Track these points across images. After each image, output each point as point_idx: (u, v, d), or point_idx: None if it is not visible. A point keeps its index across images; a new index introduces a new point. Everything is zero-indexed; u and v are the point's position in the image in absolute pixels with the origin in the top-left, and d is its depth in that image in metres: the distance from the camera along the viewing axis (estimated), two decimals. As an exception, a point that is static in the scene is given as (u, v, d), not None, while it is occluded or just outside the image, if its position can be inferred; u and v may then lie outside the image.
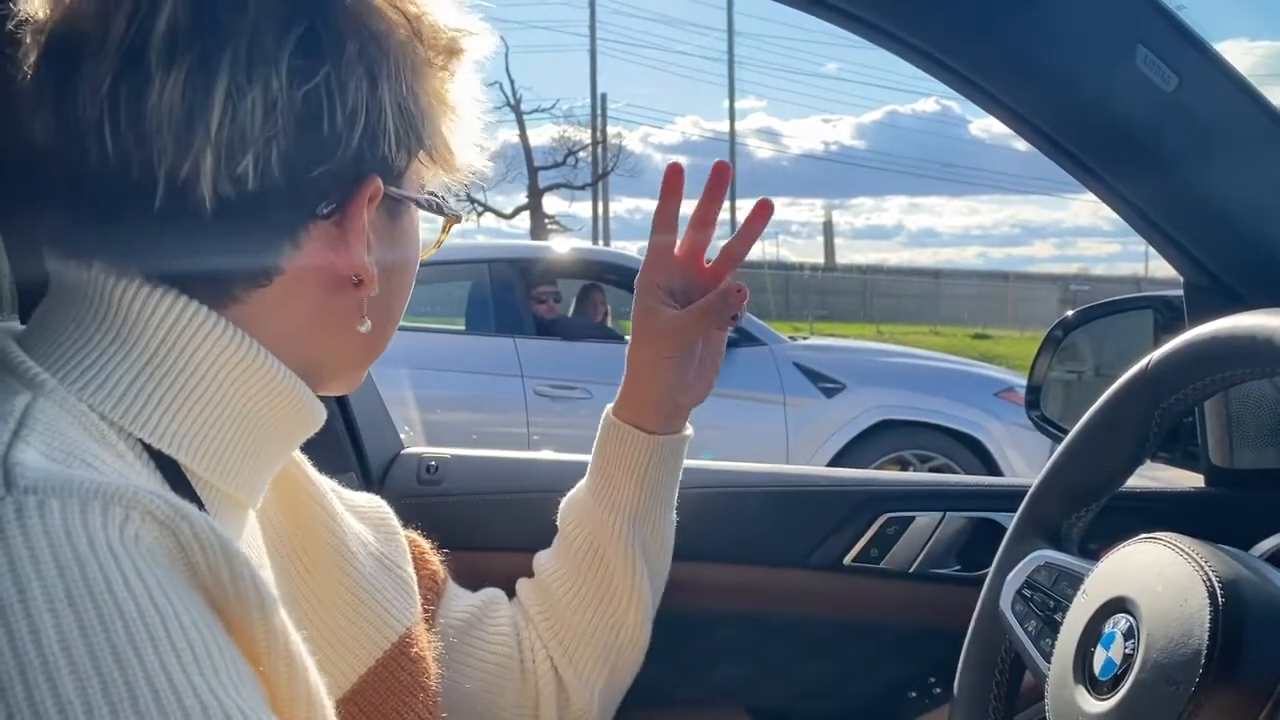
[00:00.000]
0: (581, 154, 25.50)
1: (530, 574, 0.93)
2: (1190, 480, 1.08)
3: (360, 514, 0.78)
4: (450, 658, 0.84)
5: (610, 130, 27.53)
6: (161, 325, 0.53)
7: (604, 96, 28.49)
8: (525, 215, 24.39)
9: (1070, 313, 1.31)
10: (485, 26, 0.61)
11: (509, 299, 5.04)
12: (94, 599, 0.40)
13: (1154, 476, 1.24)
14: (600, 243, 23.24)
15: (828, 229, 33.10)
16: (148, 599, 0.41)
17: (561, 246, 7.33)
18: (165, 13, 0.51)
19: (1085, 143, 0.90)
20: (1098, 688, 0.61)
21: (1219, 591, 0.56)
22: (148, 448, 0.53)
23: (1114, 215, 0.97)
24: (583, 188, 25.98)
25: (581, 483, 0.91)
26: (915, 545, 1.01)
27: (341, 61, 0.53)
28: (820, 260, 31.72)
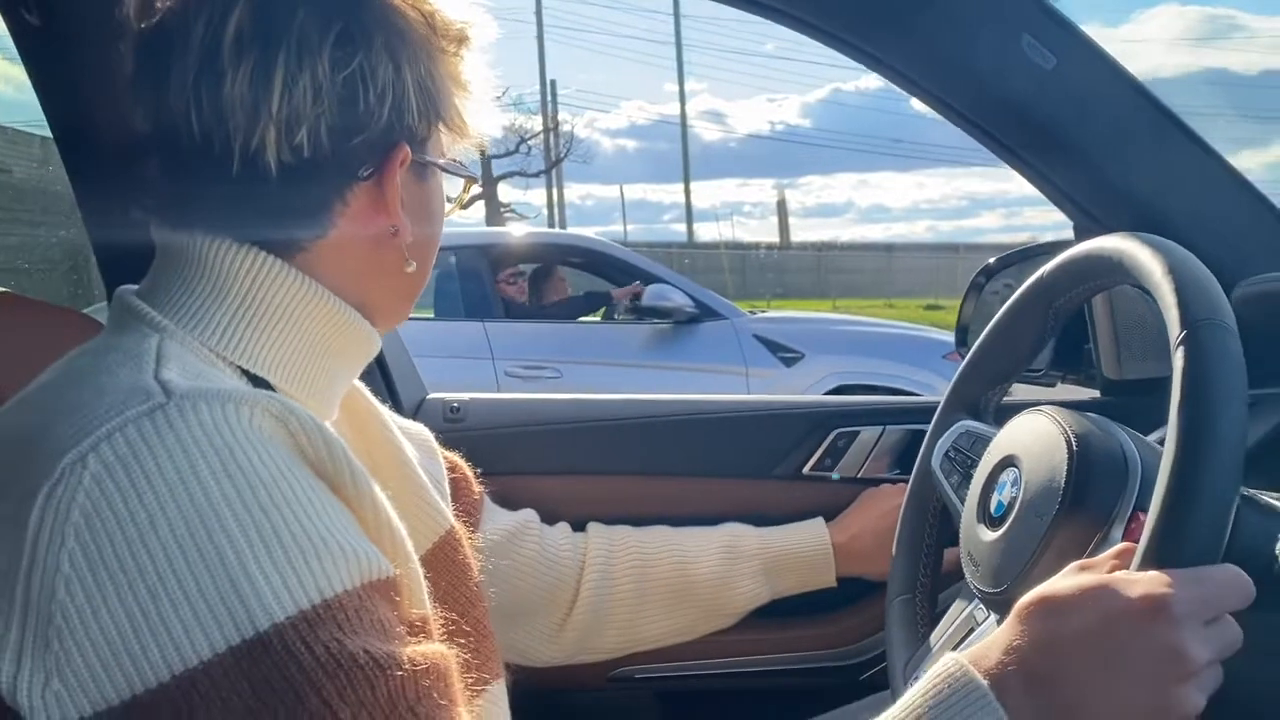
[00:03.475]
0: (533, 141, 25.53)
1: (538, 494, 1.11)
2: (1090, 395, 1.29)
3: (407, 434, 0.94)
4: (488, 567, 1.01)
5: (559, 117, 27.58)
6: (248, 276, 0.67)
7: (553, 83, 28.53)
8: (479, 204, 24.38)
9: (991, 260, 1.51)
10: (488, 17, 0.73)
11: (476, 284, 5.18)
12: (243, 472, 0.55)
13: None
14: (557, 229, 23.29)
15: (781, 208, 33.40)
16: (278, 470, 0.56)
17: (521, 231, 7.45)
18: (234, 19, 0.64)
19: (985, 113, 1.09)
20: (992, 523, 0.80)
21: (1074, 444, 0.75)
22: (244, 372, 0.67)
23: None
24: (536, 175, 25.95)
25: (747, 541, 1.13)
26: (861, 455, 1.22)
27: (371, 52, 0.66)
28: (774, 239, 31.94)
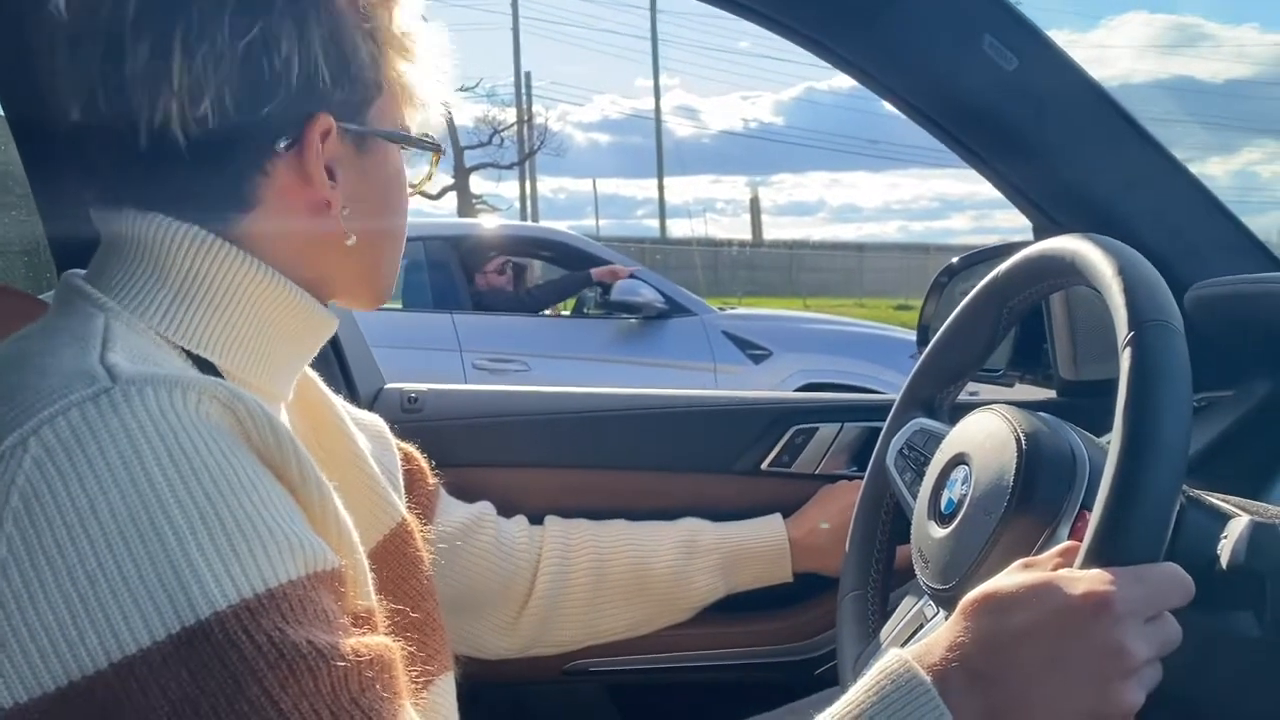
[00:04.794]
0: (506, 133, 25.41)
1: (495, 487, 1.11)
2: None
3: (361, 425, 0.93)
4: (442, 559, 1.00)
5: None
6: (188, 256, 0.66)
7: (528, 75, 28.40)
8: (451, 196, 24.26)
9: (954, 260, 1.52)
10: None
11: (445, 276, 5.15)
12: (187, 458, 0.54)
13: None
14: (529, 222, 23.20)
15: (754, 206, 33.23)
16: (222, 457, 0.55)
17: (492, 223, 7.41)
18: (132, 1, 0.63)
19: (946, 112, 1.10)
20: (942, 520, 0.80)
21: (1023, 443, 0.75)
22: (188, 353, 0.65)
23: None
24: (509, 167, 25.84)
25: (705, 536, 1.13)
26: (819, 451, 1.22)
27: (272, 17, 0.64)
28: (747, 236, 31.96)
